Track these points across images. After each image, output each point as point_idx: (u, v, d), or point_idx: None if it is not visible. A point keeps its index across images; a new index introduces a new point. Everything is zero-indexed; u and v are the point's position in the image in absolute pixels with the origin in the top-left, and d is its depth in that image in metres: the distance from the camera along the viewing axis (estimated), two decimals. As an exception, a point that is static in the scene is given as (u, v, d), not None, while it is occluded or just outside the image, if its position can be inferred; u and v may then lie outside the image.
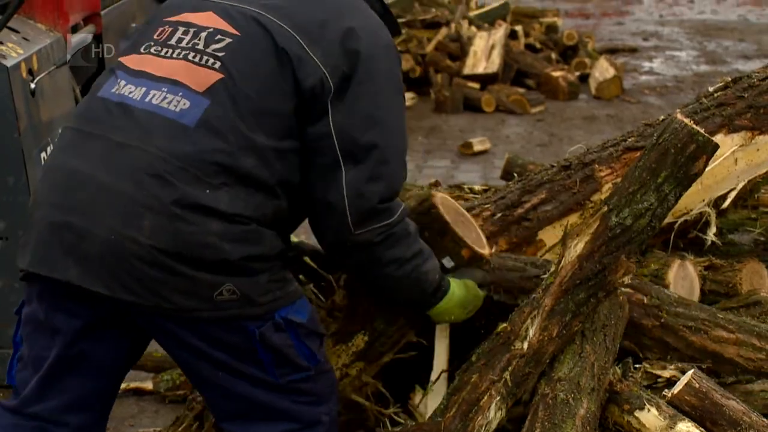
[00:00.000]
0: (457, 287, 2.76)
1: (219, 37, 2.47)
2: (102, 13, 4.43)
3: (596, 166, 3.21)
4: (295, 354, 2.52)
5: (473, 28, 9.19)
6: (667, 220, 3.03)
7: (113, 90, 2.47)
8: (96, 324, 2.48)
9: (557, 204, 3.19)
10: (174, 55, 2.48)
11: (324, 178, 2.48)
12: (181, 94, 2.42)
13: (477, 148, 7.43)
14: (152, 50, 2.51)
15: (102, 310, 2.46)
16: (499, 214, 3.21)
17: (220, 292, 2.41)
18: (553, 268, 2.79)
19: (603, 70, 8.96)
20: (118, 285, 2.36)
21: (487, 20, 9.55)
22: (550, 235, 3.19)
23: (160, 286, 2.37)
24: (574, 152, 3.41)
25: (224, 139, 2.40)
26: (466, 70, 8.67)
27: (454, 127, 8.05)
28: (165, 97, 2.43)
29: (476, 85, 8.59)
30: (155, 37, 2.53)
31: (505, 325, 2.78)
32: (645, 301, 2.93)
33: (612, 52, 10.26)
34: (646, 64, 10.05)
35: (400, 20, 9.06)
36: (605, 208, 2.72)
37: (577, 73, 9.04)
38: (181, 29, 2.51)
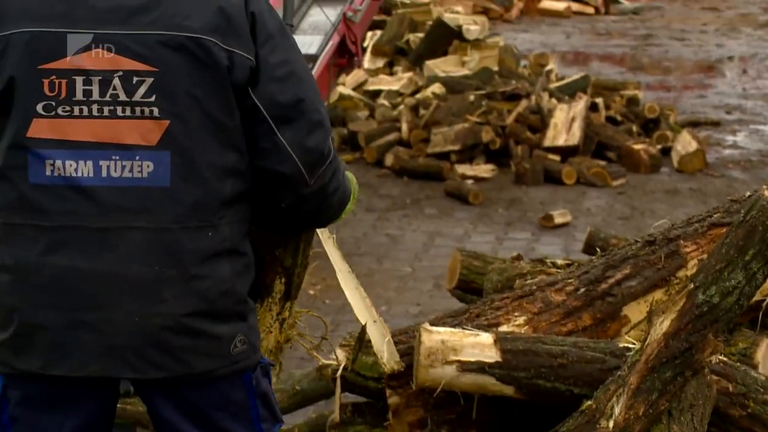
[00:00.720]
0: (352, 181, 2.63)
1: (136, 79, 2.27)
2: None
3: (681, 241, 3.18)
4: (272, 400, 2.50)
5: (554, 101, 9.19)
6: (755, 298, 2.98)
7: (48, 173, 2.27)
8: (97, 412, 2.42)
9: (642, 280, 3.17)
10: (96, 113, 2.26)
11: (268, 151, 2.37)
12: (138, 157, 2.28)
13: (558, 220, 7.40)
14: (61, 111, 2.26)
15: (103, 395, 2.40)
16: (582, 289, 3.18)
17: (235, 344, 2.39)
18: (638, 345, 2.76)
19: (685, 143, 8.90)
20: (146, 365, 2.32)
21: (568, 93, 9.56)
22: (634, 311, 3.16)
23: (187, 354, 2.33)
24: (658, 227, 3.38)
25: (203, 179, 2.32)
26: (547, 143, 8.66)
27: (535, 200, 8.03)
28: (123, 166, 2.28)
29: (557, 158, 8.57)
30: (49, 93, 2.26)
31: (590, 402, 2.75)
32: (730, 388, 2.88)
33: (694, 125, 10.18)
34: (730, 138, 9.95)
35: (480, 92, 9.11)
36: (692, 286, 2.68)
37: (659, 147, 8.98)
38: (79, 79, 2.26)
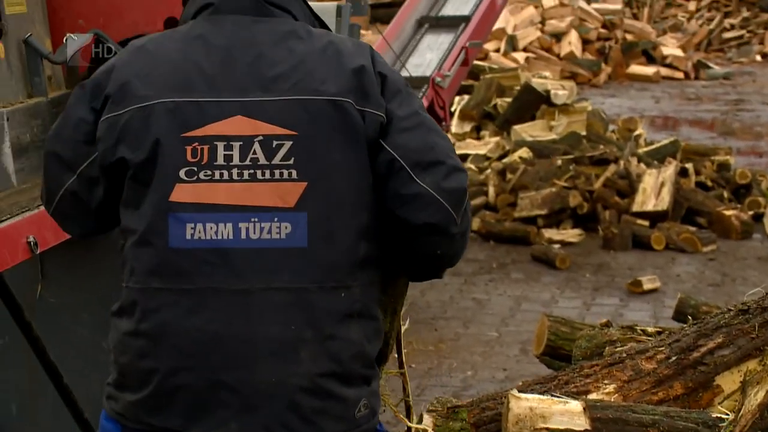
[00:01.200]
0: None
1: (276, 143, 2.30)
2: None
3: (776, 310, 3.11)
4: None
5: (642, 165, 9.12)
6: None
7: (188, 236, 2.30)
8: None
9: (735, 349, 3.11)
10: (237, 177, 2.29)
11: (413, 199, 2.37)
12: (276, 219, 2.30)
13: (647, 286, 7.31)
14: (202, 176, 2.30)
15: None
16: (674, 358, 3.13)
17: (359, 408, 2.37)
18: (732, 416, 2.70)
19: (777, 209, 8.77)
20: (280, 426, 2.32)
21: (657, 157, 9.48)
22: (727, 381, 3.09)
23: (318, 416, 2.33)
24: (751, 296, 3.32)
25: (339, 240, 2.33)
26: (635, 207, 8.58)
27: (623, 265, 7.94)
28: (261, 227, 2.29)
29: (645, 223, 8.49)
30: (191, 159, 2.30)
31: (682, 474, 2.69)
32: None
33: (786, 191, 10.02)
34: (823, 204, 9.78)
35: (568, 156, 9.07)
36: (788, 355, 2.62)
37: (751, 213, 8.85)
38: (221, 144, 2.30)
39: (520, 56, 14.91)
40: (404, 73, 7.06)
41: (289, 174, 2.31)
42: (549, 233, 8.40)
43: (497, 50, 15.08)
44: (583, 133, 9.72)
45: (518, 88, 10.43)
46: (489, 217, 8.57)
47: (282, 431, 2.32)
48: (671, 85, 15.55)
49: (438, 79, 6.92)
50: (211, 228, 2.29)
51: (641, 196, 8.63)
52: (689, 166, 9.27)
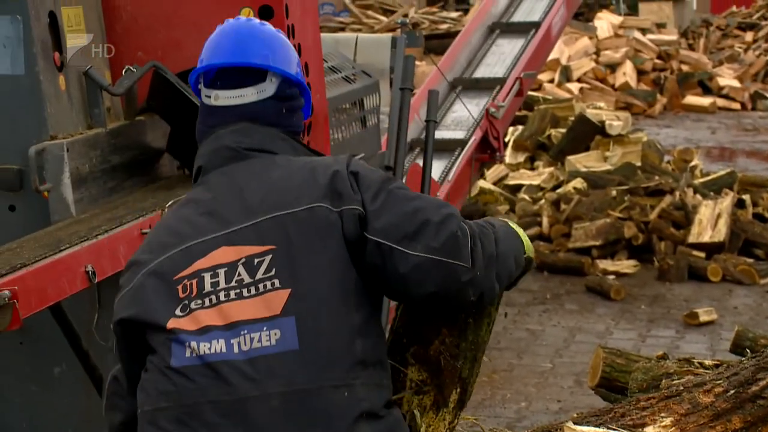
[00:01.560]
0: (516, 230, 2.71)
1: (257, 261, 2.43)
2: None
3: (836, 343, 3.07)
4: None
5: (698, 197, 9.06)
6: None
7: (187, 355, 2.40)
8: None
9: (794, 382, 3.06)
10: (224, 299, 2.42)
11: (414, 272, 2.45)
12: (264, 327, 2.39)
13: (703, 318, 7.23)
14: (193, 306, 2.43)
15: None
16: (732, 391, 3.09)
17: None
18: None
19: (836, 241, 8.66)
20: None
21: (713, 189, 9.41)
22: (786, 415, 3.05)
23: None
24: (811, 328, 3.28)
25: (331, 338, 2.40)
26: (691, 239, 8.52)
27: (679, 297, 7.88)
28: (251, 338, 2.39)
29: (701, 254, 8.41)
30: (182, 295, 2.44)
31: None
32: None
33: None
34: None
35: (623, 187, 9.02)
36: None
37: (809, 244, 8.75)
38: (207, 275, 2.44)
39: (574, 87, 14.88)
40: (458, 104, 7.07)
41: (272, 284, 2.41)
42: (603, 264, 8.35)
43: (551, 81, 15.05)
44: (638, 163, 9.67)
45: (572, 118, 10.40)
46: (543, 248, 8.54)
47: None
48: (728, 116, 15.43)
49: (492, 109, 6.92)
50: (205, 346, 2.39)
51: (697, 227, 8.56)
52: (746, 197, 9.19)
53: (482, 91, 7.39)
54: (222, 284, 2.42)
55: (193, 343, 2.39)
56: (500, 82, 7.36)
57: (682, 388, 3.20)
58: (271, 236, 2.44)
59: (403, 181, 5.13)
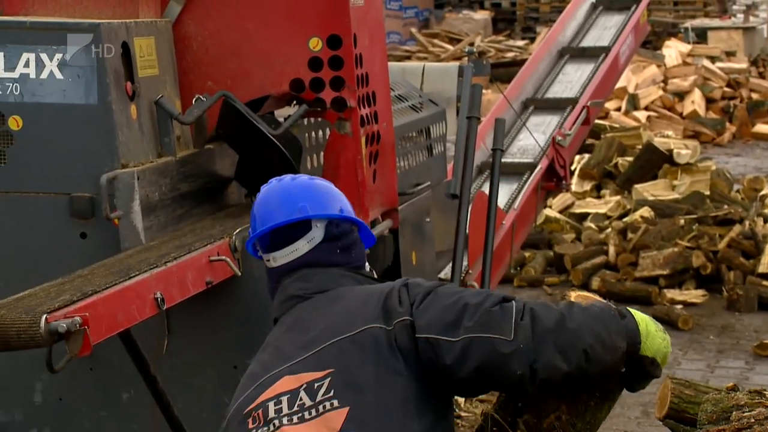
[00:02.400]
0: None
1: (317, 385, 2.56)
2: (398, 208, 4.59)
3: None
4: None
5: (768, 226, 8.96)
6: None
7: None
8: None
9: None
10: (287, 423, 2.54)
11: (461, 361, 2.55)
12: None
13: (773, 349, 7.14)
14: None
15: None
16: (803, 424, 3.05)
17: None
18: None
19: None
20: None
21: (784, 218, 9.29)
22: None
23: None
24: None
25: None
26: (762, 269, 8.41)
27: (749, 327, 7.77)
28: None
29: (771, 284, 8.31)
30: (251, 426, 2.58)
31: None
32: None
33: None
34: None
35: (691, 216, 8.94)
36: None
37: None
38: (271, 403, 2.58)
39: (641, 115, 14.78)
40: (524, 132, 7.07)
41: (331, 404, 2.53)
42: (671, 294, 8.27)
43: (618, 109, 14.97)
44: (707, 192, 9.57)
45: (640, 147, 10.34)
46: (609, 277, 8.48)
47: None
48: (798, 145, 15.24)
49: (559, 138, 6.91)
50: None
51: (767, 257, 8.46)
52: (817, 226, 9.06)
53: (549, 119, 7.37)
54: (285, 410, 2.56)
55: None
56: (570, 102, 7.34)
57: (753, 420, 3.16)
58: (329, 361, 2.57)
59: (469, 209, 5.14)
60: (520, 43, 20.18)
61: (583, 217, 9.67)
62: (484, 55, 18.21)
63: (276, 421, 2.54)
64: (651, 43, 18.35)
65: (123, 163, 3.62)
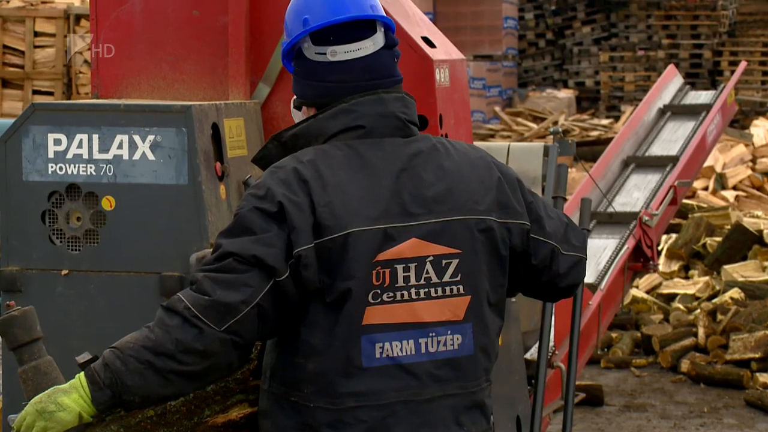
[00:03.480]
0: None
1: (445, 262, 2.54)
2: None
3: None
4: None
5: None
6: None
7: (377, 356, 2.50)
8: None
9: None
10: (414, 296, 2.51)
11: (569, 273, 2.77)
12: (449, 331, 2.55)
13: None
14: (385, 298, 2.49)
15: None
16: None
17: None
18: None
19: None
20: None
21: None
22: None
23: None
24: None
25: (490, 344, 2.64)
26: None
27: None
28: (438, 341, 2.54)
29: None
30: (375, 283, 2.49)
31: None
32: None
33: None
34: None
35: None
36: None
37: None
38: (400, 267, 2.50)
39: (730, 195, 14.59)
40: (610, 211, 7.02)
41: (458, 290, 2.56)
42: (764, 378, 8.08)
43: (706, 188, 14.81)
44: (799, 274, 9.40)
45: (728, 227, 10.20)
46: (699, 359, 8.33)
47: None
48: None
49: (646, 218, 6.85)
50: (396, 346, 2.51)
51: None
52: None
53: (636, 197, 7.32)
54: (413, 280, 2.51)
55: (386, 345, 2.50)
56: (654, 190, 7.28)
57: None
58: (458, 240, 2.56)
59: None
60: (605, 121, 20.11)
61: (671, 297, 9.54)
62: (569, 133, 18.18)
63: (405, 292, 2.51)
64: (738, 122, 18.19)
65: (211, 243, 3.66)
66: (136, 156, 3.70)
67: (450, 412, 2.56)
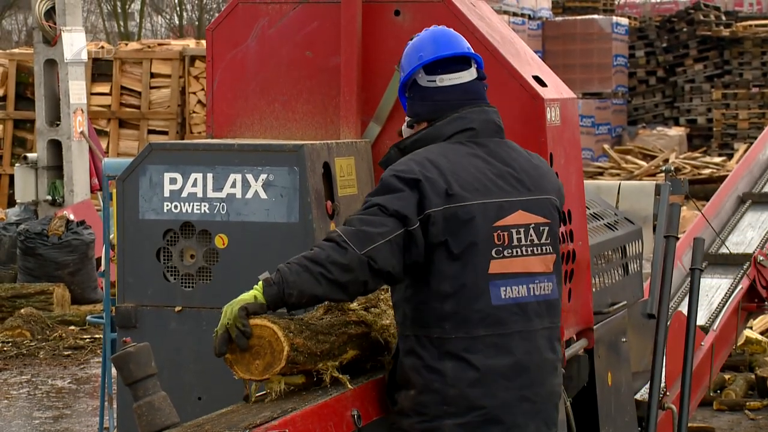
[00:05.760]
0: None
1: (541, 228, 3.38)
2: (594, 327, 4.53)
3: None
4: None
5: None
6: None
7: (503, 296, 3.31)
8: None
9: None
10: (525, 253, 3.35)
11: None
12: (546, 279, 3.39)
13: None
14: (506, 254, 3.32)
15: None
16: None
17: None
18: None
19: None
20: (550, 423, 3.39)
21: None
22: None
23: (556, 410, 3.45)
24: None
25: (561, 291, 3.49)
26: None
27: None
28: (541, 286, 3.38)
29: None
30: (497, 242, 3.31)
31: None
32: None
33: None
34: None
35: None
36: None
37: None
38: (514, 231, 3.33)
39: None
40: (723, 250, 6.90)
41: (548, 249, 3.40)
42: None
43: (822, 227, 14.46)
44: None
45: None
46: (816, 403, 8.11)
47: (550, 426, 3.39)
48: None
49: (761, 257, 6.71)
50: (514, 289, 3.34)
51: None
52: None
53: (750, 236, 7.18)
54: (523, 241, 3.35)
55: (508, 288, 3.31)
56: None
57: None
58: (547, 212, 3.40)
59: (667, 327, 5.03)
60: (717, 159, 19.82)
61: (789, 337, 9.32)
62: (679, 171, 17.94)
63: (518, 250, 3.32)
64: None
65: (322, 281, 3.68)
66: (249, 195, 3.76)
67: (546, 341, 3.37)
